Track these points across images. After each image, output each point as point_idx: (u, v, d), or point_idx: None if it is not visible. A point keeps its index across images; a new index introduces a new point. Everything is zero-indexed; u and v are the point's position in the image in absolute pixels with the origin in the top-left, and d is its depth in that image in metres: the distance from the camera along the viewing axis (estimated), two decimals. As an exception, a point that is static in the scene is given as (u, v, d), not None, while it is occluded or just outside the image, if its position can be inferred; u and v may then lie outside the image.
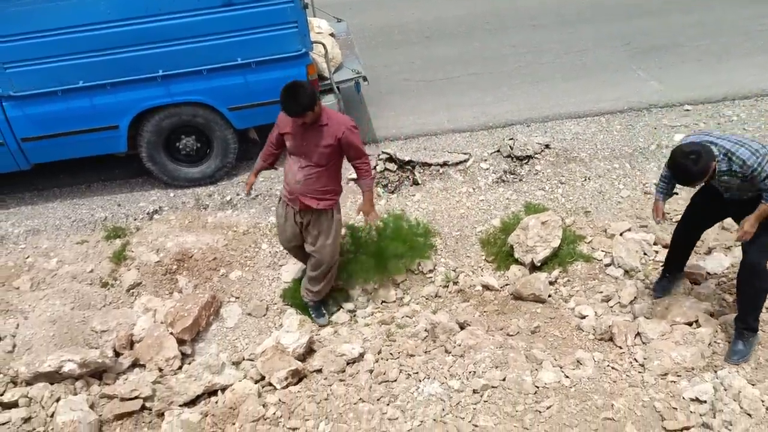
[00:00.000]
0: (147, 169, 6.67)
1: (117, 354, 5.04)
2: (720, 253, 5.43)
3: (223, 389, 4.71)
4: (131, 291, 5.66)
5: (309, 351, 4.98)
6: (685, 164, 3.99)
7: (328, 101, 6.58)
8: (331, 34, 7.23)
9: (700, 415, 4.04)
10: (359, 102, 7.89)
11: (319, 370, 4.71)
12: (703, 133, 4.32)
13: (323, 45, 6.48)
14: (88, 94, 6.07)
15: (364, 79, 6.99)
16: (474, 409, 4.18)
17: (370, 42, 9.21)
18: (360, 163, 4.85)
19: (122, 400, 4.61)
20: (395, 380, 4.52)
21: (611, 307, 5.17)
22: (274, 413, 4.34)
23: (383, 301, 5.57)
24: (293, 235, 5.09)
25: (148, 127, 6.37)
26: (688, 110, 7.32)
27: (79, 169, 6.95)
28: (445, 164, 6.78)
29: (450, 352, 4.75)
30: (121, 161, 6.92)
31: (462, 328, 5.04)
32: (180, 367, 4.96)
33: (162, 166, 6.64)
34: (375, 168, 6.73)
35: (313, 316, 5.37)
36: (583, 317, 5.10)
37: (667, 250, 5.19)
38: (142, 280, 5.72)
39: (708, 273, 5.21)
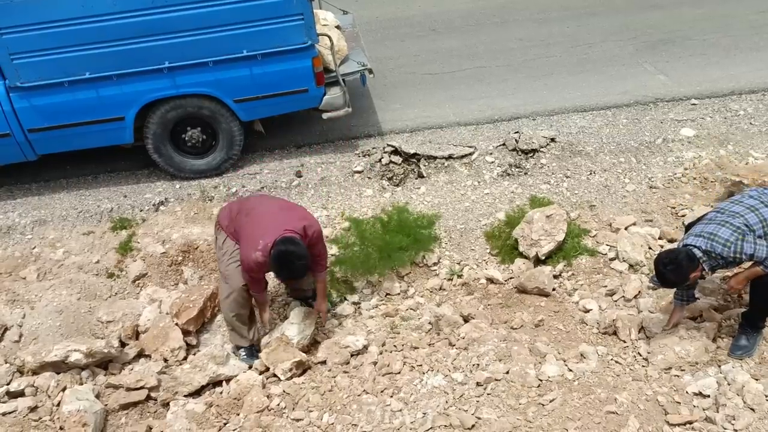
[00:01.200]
0: (153, 160, 6.68)
1: (123, 344, 5.08)
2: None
3: (228, 380, 4.74)
4: (137, 282, 5.68)
5: (313, 343, 5.00)
6: (663, 273, 4.17)
7: (333, 94, 6.58)
8: (337, 27, 7.21)
9: (704, 409, 4.05)
10: (365, 95, 7.88)
11: (324, 362, 4.73)
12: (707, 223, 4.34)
13: (329, 37, 6.47)
14: (94, 86, 6.08)
15: (370, 71, 6.98)
16: (477, 401, 4.19)
17: (376, 34, 9.19)
18: (321, 261, 4.84)
19: (128, 390, 4.65)
20: (399, 372, 4.53)
21: (615, 301, 5.17)
22: (279, 404, 4.37)
23: (387, 294, 5.58)
24: None
25: (154, 119, 6.38)
26: (694, 104, 7.29)
27: (85, 161, 6.97)
28: (450, 157, 6.78)
29: (454, 345, 4.76)
30: (127, 153, 6.93)
31: (466, 321, 5.06)
32: (185, 358, 4.99)
33: (168, 157, 6.65)
34: (380, 161, 6.74)
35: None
36: (587, 311, 5.11)
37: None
38: (147, 271, 5.74)
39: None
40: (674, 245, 4.70)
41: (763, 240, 4.15)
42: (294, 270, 4.41)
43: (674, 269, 4.12)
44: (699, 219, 4.53)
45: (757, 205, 4.24)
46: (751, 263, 4.23)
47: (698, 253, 4.16)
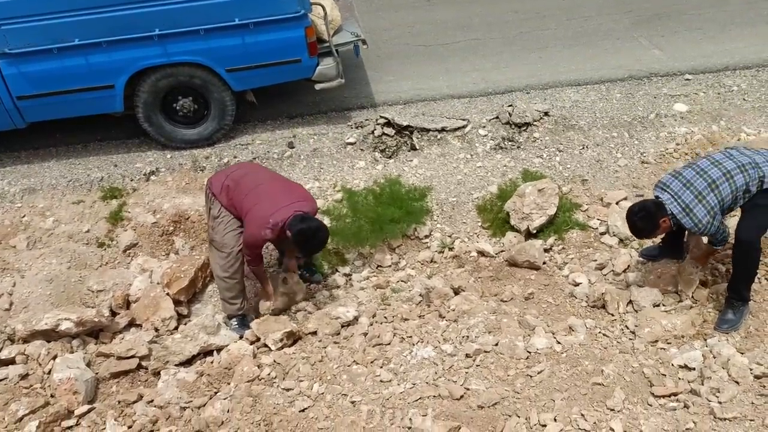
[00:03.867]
0: (144, 130, 6.63)
1: (113, 314, 5.08)
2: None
3: (219, 350, 4.77)
4: (128, 251, 5.67)
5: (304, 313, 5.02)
6: (633, 221, 4.38)
7: (326, 64, 6.52)
8: (331, -4, 7.12)
9: (689, 381, 4.10)
10: (358, 66, 7.81)
11: (314, 333, 4.76)
12: (677, 174, 4.43)
13: (322, 7, 6.38)
14: (83, 53, 6.00)
15: (364, 42, 6.91)
16: (466, 372, 4.23)
17: (369, 5, 9.09)
18: None
19: (119, 358, 4.66)
20: (389, 344, 4.56)
21: (605, 275, 5.21)
22: (269, 374, 4.39)
23: (379, 266, 5.60)
24: None
25: (145, 87, 6.31)
26: (688, 79, 7.27)
27: (75, 129, 6.91)
28: (443, 130, 6.75)
29: (444, 317, 4.79)
30: (118, 121, 6.87)
31: (456, 293, 5.08)
32: (176, 328, 5.01)
33: (159, 127, 6.60)
34: (373, 132, 6.71)
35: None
36: (577, 284, 5.14)
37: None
38: (138, 241, 5.73)
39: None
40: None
41: (724, 223, 4.40)
42: (318, 244, 4.60)
43: (644, 216, 4.32)
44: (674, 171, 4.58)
45: (734, 171, 4.28)
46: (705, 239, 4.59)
47: (668, 210, 4.31)
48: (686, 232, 4.89)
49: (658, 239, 5.07)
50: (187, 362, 4.71)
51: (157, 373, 4.62)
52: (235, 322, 4.96)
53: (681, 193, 4.31)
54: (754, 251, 4.37)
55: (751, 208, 4.36)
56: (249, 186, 4.77)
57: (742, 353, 4.24)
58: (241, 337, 4.85)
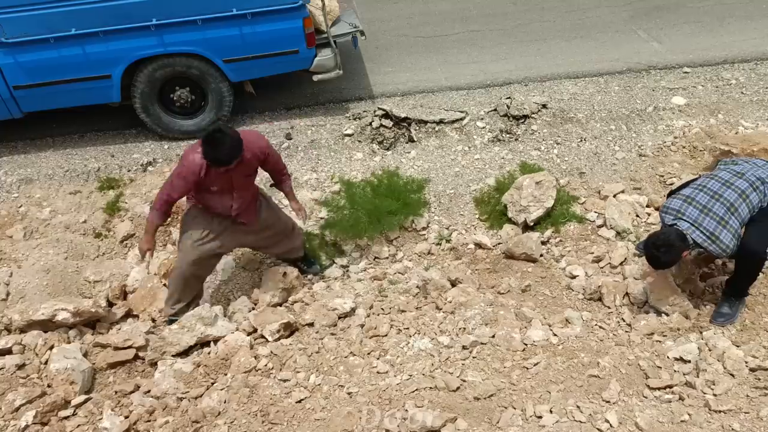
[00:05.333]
0: (141, 120, 6.61)
1: (110, 304, 5.09)
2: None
3: (216, 341, 4.76)
4: (125, 242, 5.67)
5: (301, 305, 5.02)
6: (658, 257, 4.22)
7: (324, 55, 6.50)
8: (329, -13, 7.09)
9: (684, 374, 4.11)
10: (356, 57, 7.79)
11: (311, 324, 4.76)
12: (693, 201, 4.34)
13: (320, -3, 6.36)
14: (80, 43, 5.98)
15: (362, 33, 6.89)
16: (463, 364, 4.24)
17: (368, -5, 9.05)
18: (283, 171, 4.88)
19: (115, 349, 4.66)
20: (386, 335, 4.57)
21: (602, 267, 5.21)
22: (266, 365, 4.40)
23: (376, 257, 5.60)
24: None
25: (142, 78, 6.29)
26: (687, 72, 7.26)
27: (72, 119, 6.89)
28: (441, 122, 6.75)
29: (441, 309, 4.80)
30: (115, 112, 6.85)
31: (453, 285, 5.09)
32: (173, 318, 5.01)
33: (156, 117, 6.58)
34: (371, 124, 6.70)
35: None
36: (574, 277, 5.15)
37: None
38: (135, 232, 5.72)
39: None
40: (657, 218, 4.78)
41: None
42: (222, 147, 4.21)
43: (667, 251, 4.17)
44: (683, 186, 4.54)
45: (747, 191, 4.25)
46: None
47: (690, 240, 4.20)
48: None
49: None
50: (184, 353, 4.71)
51: (154, 364, 4.62)
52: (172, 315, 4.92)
53: (701, 221, 4.20)
54: (761, 261, 4.35)
55: (760, 218, 4.30)
56: None
57: (738, 346, 4.25)
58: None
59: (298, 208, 5.06)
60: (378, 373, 4.24)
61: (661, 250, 4.17)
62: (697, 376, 4.05)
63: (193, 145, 4.44)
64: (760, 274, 4.76)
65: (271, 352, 4.50)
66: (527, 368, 4.21)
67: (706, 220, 4.18)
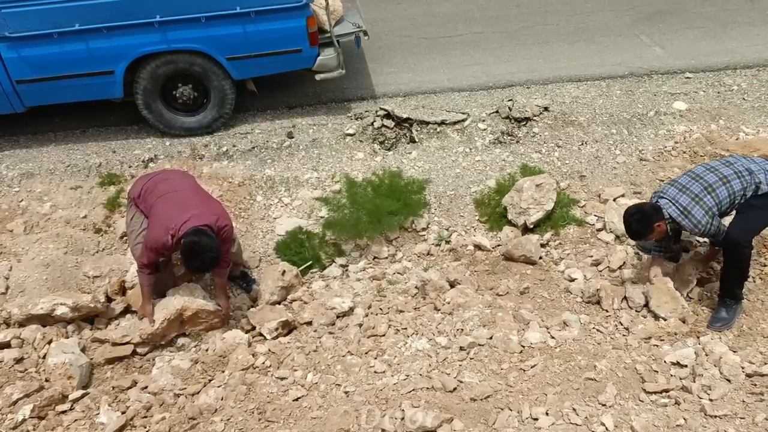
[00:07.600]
0: (143, 116, 6.62)
1: (109, 300, 5.09)
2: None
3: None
4: (124, 238, 5.67)
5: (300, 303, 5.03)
6: (629, 222, 4.48)
7: (327, 55, 6.50)
8: (333, -14, 7.10)
9: (680, 378, 4.12)
10: (359, 57, 7.80)
11: (309, 323, 4.78)
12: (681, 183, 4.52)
13: (324, -3, 6.37)
14: (83, 38, 5.98)
15: (365, 33, 6.89)
16: (460, 365, 4.26)
17: (372, -5, 9.06)
18: (225, 257, 4.70)
19: (114, 344, 4.68)
20: (384, 335, 4.58)
21: (600, 271, 5.22)
22: (264, 363, 4.42)
23: (375, 257, 5.61)
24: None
25: (144, 74, 6.30)
26: (689, 78, 7.26)
27: (74, 114, 6.90)
28: (442, 123, 6.75)
29: (439, 310, 4.81)
30: (117, 108, 6.86)
31: (452, 286, 5.10)
32: (172, 315, 5.01)
33: (158, 114, 6.58)
34: (372, 124, 6.71)
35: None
36: (572, 280, 5.16)
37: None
38: (135, 228, 5.73)
39: (698, 241, 5.25)
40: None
41: (723, 224, 4.46)
42: (200, 263, 4.39)
43: (639, 218, 4.42)
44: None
45: (731, 176, 4.43)
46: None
47: (665, 215, 4.40)
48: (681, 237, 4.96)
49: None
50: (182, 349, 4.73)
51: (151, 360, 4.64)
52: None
53: (678, 197, 4.41)
54: (746, 250, 4.42)
55: (746, 209, 4.45)
56: (164, 190, 4.66)
57: (735, 351, 4.26)
58: None
59: (224, 306, 4.85)
60: (375, 372, 4.25)
61: (635, 217, 4.43)
62: (694, 381, 4.06)
63: (162, 229, 4.43)
64: (759, 281, 4.79)
65: (269, 350, 4.51)
66: (524, 370, 4.22)
67: (682, 197, 4.41)
